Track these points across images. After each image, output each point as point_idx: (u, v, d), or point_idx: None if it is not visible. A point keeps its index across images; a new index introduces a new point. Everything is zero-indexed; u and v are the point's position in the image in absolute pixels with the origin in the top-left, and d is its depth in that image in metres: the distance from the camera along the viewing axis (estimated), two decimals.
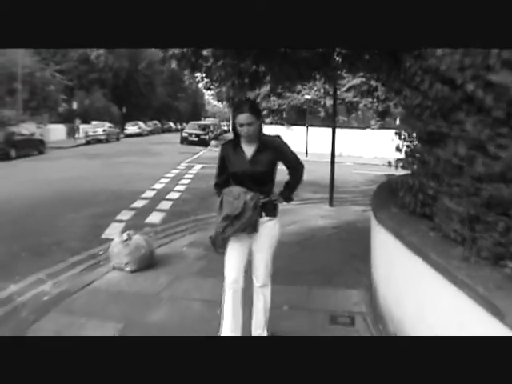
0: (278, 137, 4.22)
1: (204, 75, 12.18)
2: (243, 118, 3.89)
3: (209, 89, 20.66)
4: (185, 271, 6.71)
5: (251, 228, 4.08)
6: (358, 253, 6.36)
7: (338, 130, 12.92)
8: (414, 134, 4.25)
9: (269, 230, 4.22)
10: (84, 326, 4.95)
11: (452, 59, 3.12)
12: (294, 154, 4.25)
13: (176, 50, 8.93)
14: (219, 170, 4.30)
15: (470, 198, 2.98)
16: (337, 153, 12.24)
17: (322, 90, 33.64)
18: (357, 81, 15.03)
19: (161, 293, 5.94)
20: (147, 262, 6.88)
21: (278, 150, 4.11)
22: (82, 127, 44.41)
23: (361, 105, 31.85)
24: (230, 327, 4.20)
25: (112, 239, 7.50)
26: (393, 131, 4.84)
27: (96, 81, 54.03)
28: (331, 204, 12.01)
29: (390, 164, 4.63)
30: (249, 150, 4.09)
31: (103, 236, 8.87)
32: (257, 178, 4.06)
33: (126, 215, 10.65)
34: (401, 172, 4.65)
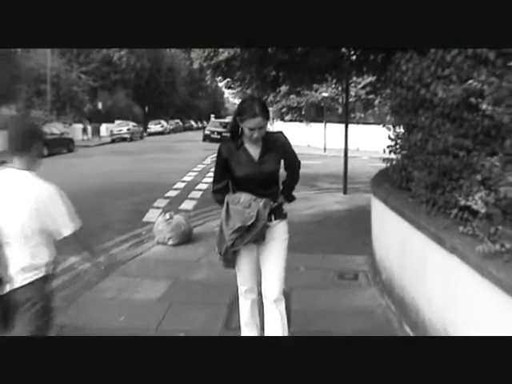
0: (281, 133, 3.99)
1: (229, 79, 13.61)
2: (255, 122, 3.55)
3: (230, 87, 21.71)
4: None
5: (262, 238, 3.78)
6: (365, 229, 7.46)
7: (355, 126, 14.09)
8: (398, 126, 5.51)
9: (279, 232, 3.90)
10: (140, 283, 6.22)
11: (413, 72, 4.42)
12: (294, 152, 4.04)
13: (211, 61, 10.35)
14: (219, 173, 3.90)
15: (430, 169, 4.24)
16: (354, 148, 13.39)
17: (339, 88, 34.47)
18: (372, 78, 15.95)
19: (200, 260, 7.25)
20: (186, 237, 8.19)
21: (283, 149, 3.86)
22: (106, 126, 45.78)
23: (376, 101, 32.65)
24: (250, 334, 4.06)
25: (152, 222, 8.86)
26: None
27: (119, 81, 55.16)
28: (345, 192, 13.31)
29: (384, 151, 5.87)
30: (254, 150, 3.76)
31: (144, 220, 10.20)
32: (265, 181, 3.77)
33: (161, 203, 11.98)
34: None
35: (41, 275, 3.09)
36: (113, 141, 41.48)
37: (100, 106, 44.71)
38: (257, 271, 3.97)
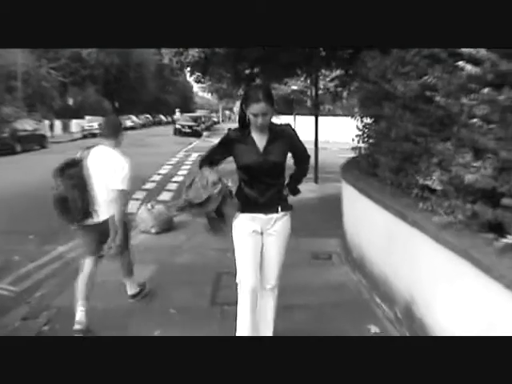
0: (289, 125, 3.99)
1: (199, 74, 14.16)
2: (258, 107, 3.54)
3: (199, 82, 22.07)
4: (197, 231, 8.33)
5: (213, 230, 4.01)
6: (337, 214, 7.91)
7: (324, 118, 14.58)
8: (365, 117, 6.04)
9: (283, 226, 3.93)
10: None
11: (377, 68, 4.95)
12: (303, 145, 4.01)
13: (188, 59, 10.86)
14: (213, 154, 3.97)
15: (394, 154, 4.76)
16: (323, 139, 13.84)
17: (308, 81, 34.99)
18: (341, 72, 16.46)
19: (182, 245, 7.75)
20: (168, 225, 8.69)
21: (290, 140, 3.84)
22: (77, 122, 45.53)
23: (344, 94, 33.24)
24: (248, 328, 3.94)
25: (133, 213, 9.28)
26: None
27: (88, 77, 54.77)
28: (316, 181, 13.91)
29: (353, 140, 6.39)
30: (260, 140, 3.75)
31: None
32: (271, 170, 3.77)
33: (140, 195, 12.42)
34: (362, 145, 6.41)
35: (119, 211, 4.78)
36: (84, 136, 41.21)
37: (71, 101, 44.49)
38: (259, 264, 3.92)
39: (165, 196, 12.30)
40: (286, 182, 4.02)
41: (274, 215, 3.84)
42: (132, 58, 65.96)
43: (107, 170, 4.69)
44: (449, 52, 3.84)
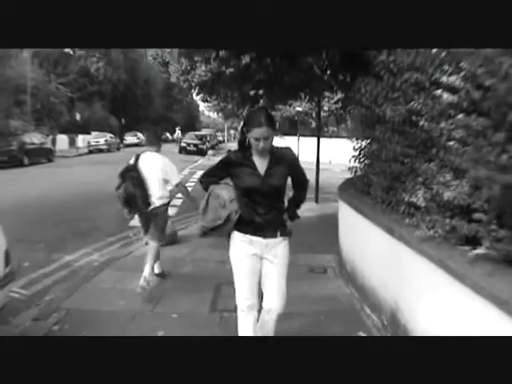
0: (289, 149, 3.95)
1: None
2: (260, 132, 3.54)
3: (206, 101, 22.54)
4: (200, 245, 8.77)
5: (227, 236, 3.94)
6: (334, 232, 8.24)
7: (327, 140, 15.00)
8: (360, 139, 6.42)
9: (283, 253, 3.89)
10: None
11: (370, 94, 5.34)
12: (302, 169, 4.02)
13: (195, 78, 11.44)
14: (213, 172, 4.02)
15: (384, 174, 5.13)
16: (326, 160, 14.24)
17: (313, 103, 35.36)
18: (341, 95, 16.88)
19: (185, 257, 8.12)
20: (172, 239, 9.06)
21: (290, 164, 3.83)
22: (83, 137, 46.06)
23: (348, 116, 33.57)
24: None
25: (138, 226, 9.67)
26: None
27: (96, 93, 55.13)
28: (317, 201, 14.29)
29: (349, 161, 6.76)
30: (261, 163, 3.74)
31: (130, 224, 10.95)
32: (271, 193, 3.74)
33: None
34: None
35: (165, 201, 6.59)
36: (90, 151, 41.81)
37: (78, 117, 44.92)
38: (258, 286, 3.90)
39: (170, 211, 12.63)
40: (285, 207, 4.01)
41: (273, 240, 3.80)
42: (139, 75, 66.53)
43: (158, 170, 6.37)
44: (431, 81, 4.21)
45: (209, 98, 19.63)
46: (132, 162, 6.48)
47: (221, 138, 78.11)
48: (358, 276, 6.12)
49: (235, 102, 14.34)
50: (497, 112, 3.14)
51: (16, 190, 15.76)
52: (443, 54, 3.99)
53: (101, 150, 42.39)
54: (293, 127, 36.44)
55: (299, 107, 33.84)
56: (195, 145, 43.21)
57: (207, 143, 47.42)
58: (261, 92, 13.09)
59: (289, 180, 3.89)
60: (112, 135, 47.75)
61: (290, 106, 35.06)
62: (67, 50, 44.66)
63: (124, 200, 6.31)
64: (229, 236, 3.90)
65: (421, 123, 4.27)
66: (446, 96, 3.75)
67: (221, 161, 3.96)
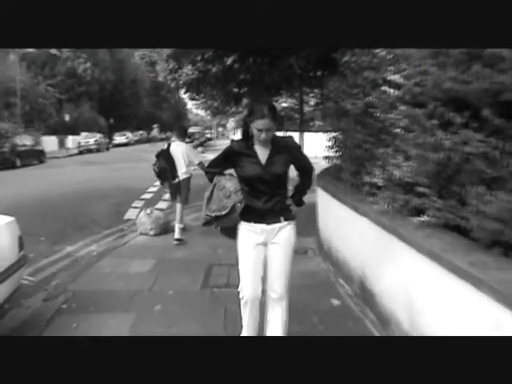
0: (291, 138, 4.08)
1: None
2: (263, 123, 3.64)
3: (193, 99, 23.13)
4: (193, 233, 9.50)
5: (233, 232, 4.04)
6: (315, 219, 8.90)
7: (314, 134, 15.62)
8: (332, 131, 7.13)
9: (287, 235, 3.97)
10: (131, 262, 7.63)
11: (337, 90, 6.04)
12: (306, 157, 4.11)
13: (182, 76, 12.27)
14: (218, 161, 4.07)
15: (351, 160, 5.83)
16: (312, 155, 14.83)
17: (299, 99, 35.76)
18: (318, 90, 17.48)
19: (178, 244, 8.75)
20: (165, 229, 9.74)
21: (292, 152, 3.93)
22: (73, 138, 46.50)
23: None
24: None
25: (133, 219, 10.43)
26: None
27: (83, 93, 55.39)
28: None
29: (326, 150, 7.45)
30: (263, 152, 3.83)
31: (125, 217, 11.67)
32: (273, 182, 3.82)
33: (138, 203, 13.44)
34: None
35: (188, 175, 9.04)
36: (80, 152, 42.27)
37: (67, 118, 45.13)
38: (262, 275, 3.99)
39: (162, 205, 13.26)
40: (291, 193, 4.17)
41: (277, 225, 3.89)
42: (127, 74, 66.65)
43: (183, 153, 8.86)
44: (383, 79, 4.89)
45: (196, 96, 20.23)
46: (165, 147, 9.06)
47: (209, 136, 78.45)
48: (333, 252, 6.84)
49: (220, 100, 15.18)
50: (429, 104, 3.85)
51: (11, 190, 16.31)
52: (390, 56, 4.69)
53: (90, 151, 42.82)
54: (280, 123, 36.58)
55: (285, 103, 34.29)
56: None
57: (196, 141, 47.92)
58: (243, 90, 13.88)
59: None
60: (101, 135, 48.15)
61: (276, 101, 35.48)
62: (54, 51, 45.01)
63: (157, 173, 9.06)
64: (229, 229, 4.04)
65: (376, 115, 4.96)
66: (393, 91, 4.45)
67: (224, 151, 4.01)
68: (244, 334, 4.11)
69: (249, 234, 3.93)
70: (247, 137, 3.86)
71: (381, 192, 4.92)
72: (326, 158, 7.29)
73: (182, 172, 8.90)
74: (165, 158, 8.85)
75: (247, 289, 3.93)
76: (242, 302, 4.02)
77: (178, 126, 10.01)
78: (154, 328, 5.07)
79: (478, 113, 3.33)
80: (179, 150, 8.87)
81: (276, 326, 4.06)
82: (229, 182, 3.89)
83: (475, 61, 3.30)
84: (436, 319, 3.66)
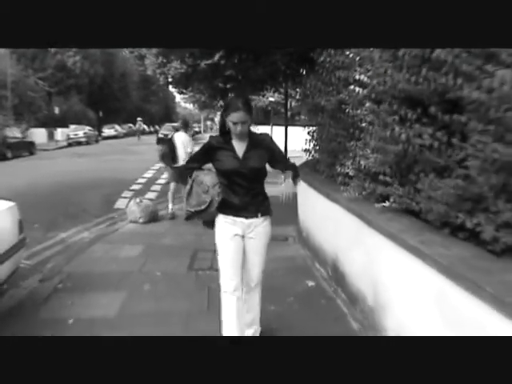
0: (266, 134, 4.20)
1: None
2: (237, 116, 3.72)
3: (182, 93, 23.49)
4: (179, 222, 9.99)
5: (211, 225, 4.12)
6: (296, 208, 9.46)
7: (300, 128, 16.07)
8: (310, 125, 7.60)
9: (264, 229, 4.10)
10: (121, 247, 8.10)
11: (313, 87, 6.52)
12: (282, 153, 4.21)
13: (171, 70, 12.77)
14: (197, 156, 4.16)
15: (327, 152, 6.31)
16: (298, 148, 15.26)
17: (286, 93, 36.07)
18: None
19: (165, 232, 9.27)
20: (154, 217, 10.25)
21: (268, 148, 4.02)
22: (62, 130, 46.66)
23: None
24: (233, 327, 4.07)
25: (122, 208, 10.93)
26: None
27: (73, 86, 55.21)
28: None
29: (305, 143, 7.92)
30: (239, 147, 3.92)
31: (115, 207, 12.13)
32: (249, 176, 3.90)
33: (128, 194, 13.95)
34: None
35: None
36: (69, 144, 42.37)
37: (57, 111, 45.10)
38: (241, 268, 4.10)
39: (150, 195, 13.71)
40: (286, 173, 4.27)
41: (255, 220, 3.99)
42: (116, 68, 66.47)
43: (183, 142, 10.43)
44: (353, 78, 5.34)
45: (184, 90, 20.59)
46: (170, 136, 10.92)
47: (197, 129, 78.46)
48: (310, 239, 7.34)
49: (207, 95, 15.65)
50: (389, 101, 4.33)
51: (3, 180, 16.57)
52: (358, 58, 5.17)
53: (80, 143, 42.86)
54: (266, 117, 37.09)
55: (271, 97, 34.62)
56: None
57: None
58: (229, 86, 14.37)
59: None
60: (90, 128, 48.26)
61: (263, 96, 35.80)
62: None
63: (161, 157, 10.77)
64: (210, 221, 4.10)
65: (348, 111, 5.43)
66: (361, 90, 4.93)
67: (203, 146, 4.08)
68: (226, 327, 4.10)
69: (226, 225, 4.02)
70: (225, 131, 3.93)
71: (352, 181, 5.39)
72: (305, 150, 7.72)
73: (181, 158, 10.21)
74: (168, 144, 10.63)
75: (228, 277, 4.01)
76: (222, 293, 4.07)
77: (182, 120, 11.63)
78: (143, 304, 5.55)
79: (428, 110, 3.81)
80: (181, 139, 10.48)
81: (253, 309, 4.40)
82: (207, 176, 3.96)
83: (425, 64, 3.77)
84: (396, 294, 4.13)
